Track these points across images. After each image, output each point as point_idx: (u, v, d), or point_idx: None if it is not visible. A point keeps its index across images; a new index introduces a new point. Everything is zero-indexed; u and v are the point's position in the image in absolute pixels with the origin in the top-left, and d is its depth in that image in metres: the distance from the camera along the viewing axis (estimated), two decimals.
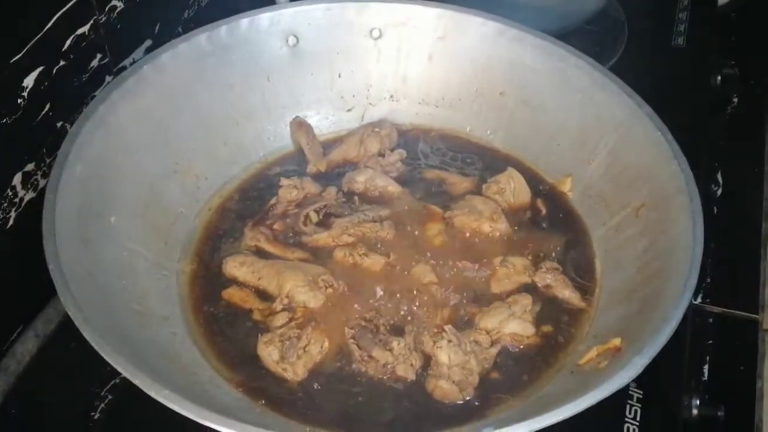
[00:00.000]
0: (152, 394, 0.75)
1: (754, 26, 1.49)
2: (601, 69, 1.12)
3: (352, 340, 0.95)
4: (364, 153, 1.20)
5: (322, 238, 1.07)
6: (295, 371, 0.93)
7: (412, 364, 0.93)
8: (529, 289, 1.03)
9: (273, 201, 1.13)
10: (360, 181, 1.16)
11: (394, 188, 1.15)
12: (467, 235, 1.08)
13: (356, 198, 1.13)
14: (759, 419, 0.99)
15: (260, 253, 1.06)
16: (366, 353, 0.94)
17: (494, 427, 0.75)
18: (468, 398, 0.91)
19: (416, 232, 1.08)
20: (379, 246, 1.06)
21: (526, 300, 1.00)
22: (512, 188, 1.14)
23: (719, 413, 0.99)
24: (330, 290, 1.00)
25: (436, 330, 0.96)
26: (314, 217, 1.10)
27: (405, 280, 1.02)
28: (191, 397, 0.76)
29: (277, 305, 0.99)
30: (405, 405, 0.91)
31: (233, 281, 1.03)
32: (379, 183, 1.15)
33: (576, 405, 0.76)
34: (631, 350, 0.84)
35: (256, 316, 0.99)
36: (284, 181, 1.14)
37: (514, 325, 0.97)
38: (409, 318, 0.99)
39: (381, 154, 1.20)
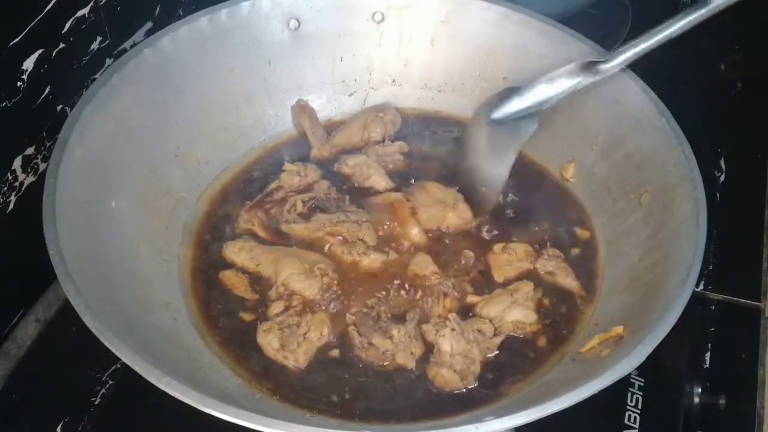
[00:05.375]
0: (153, 380, 0.75)
1: (759, 10, 1.47)
2: (605, 54, 1.11)
3: (352, 327, 0.95)
4: (368, 138, 1.19)
5: (299, 228, 1.06)
6: (296, 359, 0.92)
7: (412, 352, 0.93)
8: (531, 276, 1.03)
9: (273, 185, 1.13)
10: (350, 164, 1.15)
11: (379, 180, 1.13)
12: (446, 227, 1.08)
13: (347, 198, 1.11)
14: (760, 407, 0.99)
15: (260, 239, 1.06)
16: (366, 340, 0.94)
17: (495, 415, 0.75)
18: (469, 387, 0.91)
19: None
20: (361, 247, 1.04)
21: (527, 287, 1.00)
22: None
23: (721, 401, 0.99)
24: (326, 278, 1.00)
25: (439, 319, 0.96)
26: (300, 207, 1.09)
27: (405, 271, 1.02)
28: (192, 383, 0.76)
29: (273, 293, 0.99)
30: (406, 393, 0.91)
31: (232, 266, 1.03)
32: (365, 171, 1.14)
33: (578, 393, 0.75)
34: (634, 339, 0.83)
35: (245, 317, 0.98)
36: (288, 166, 1.13)
37: (516, 313, 0.97)
38: (410, 306, 0.98)
39: (387, 139, 1.19)
